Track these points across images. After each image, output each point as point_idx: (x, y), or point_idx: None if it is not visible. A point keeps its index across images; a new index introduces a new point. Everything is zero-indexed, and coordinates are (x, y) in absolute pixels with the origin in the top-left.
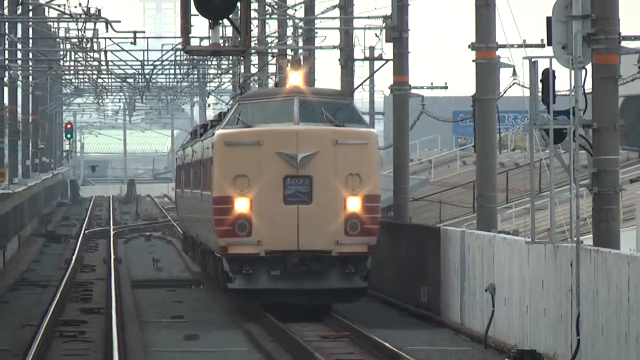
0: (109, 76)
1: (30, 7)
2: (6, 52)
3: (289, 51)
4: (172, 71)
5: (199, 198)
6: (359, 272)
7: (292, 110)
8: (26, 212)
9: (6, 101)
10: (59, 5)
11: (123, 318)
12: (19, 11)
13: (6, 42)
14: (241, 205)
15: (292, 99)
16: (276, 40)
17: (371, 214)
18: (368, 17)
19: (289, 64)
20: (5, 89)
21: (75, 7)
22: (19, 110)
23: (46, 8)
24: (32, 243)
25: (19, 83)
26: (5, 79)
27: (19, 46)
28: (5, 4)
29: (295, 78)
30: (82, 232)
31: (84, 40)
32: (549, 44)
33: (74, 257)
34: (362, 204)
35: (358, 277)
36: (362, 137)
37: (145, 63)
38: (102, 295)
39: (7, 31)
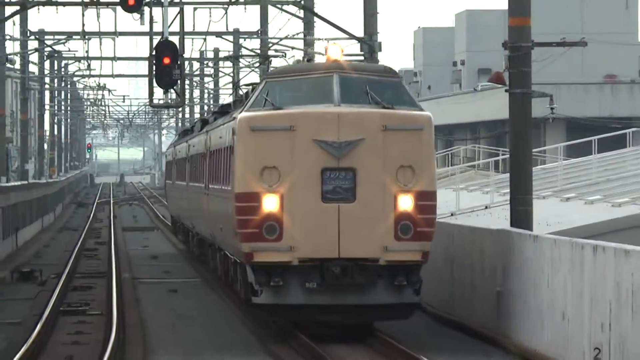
0: (110, 119)
1: (69, 82)
2: (55, 106)
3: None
4: (144, 116)
5: (201, 191)
6: (411, 284)
7: (331, 89)
8: (66, 190)
9: (56, 132)
10: (84, 82)
11: (117, 246)
12: (62, 84)
13: (56, 100)
14: (270, 203)
15: (332, 76)
16: (199, 99)
17: (426, 214)
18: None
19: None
20: (55, 126)
21: (93, 82)
22: (62, 136)
23: (77, 82)
24: (69, 207)
25: (62, 122)
26: (55, 120)
27: (62, 103)
28: (56, 80)
29: (334, 51)
30: (96, 201)
31: (97, 100)
32: None
33: (91, 215)
34: (415, 202)
35: (410, 289)
36: (415, 121)
37: (129, 112)
38: (106, 235)
39: (56, 94)
